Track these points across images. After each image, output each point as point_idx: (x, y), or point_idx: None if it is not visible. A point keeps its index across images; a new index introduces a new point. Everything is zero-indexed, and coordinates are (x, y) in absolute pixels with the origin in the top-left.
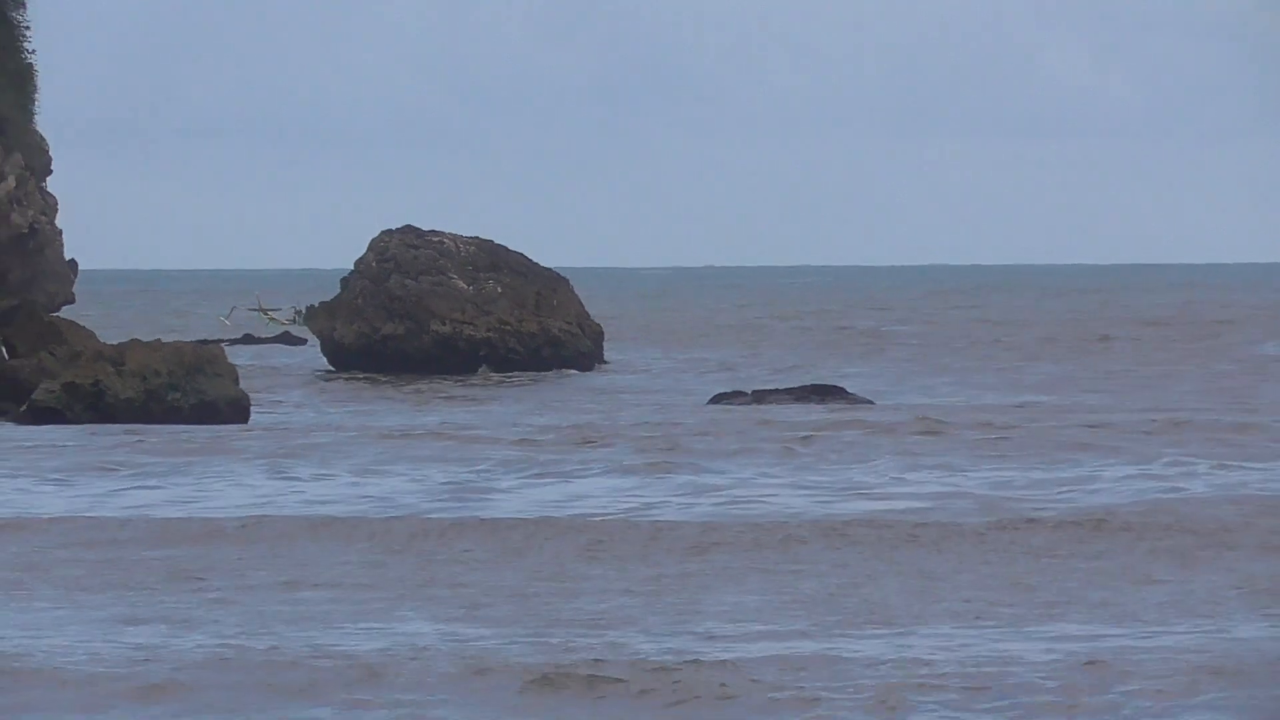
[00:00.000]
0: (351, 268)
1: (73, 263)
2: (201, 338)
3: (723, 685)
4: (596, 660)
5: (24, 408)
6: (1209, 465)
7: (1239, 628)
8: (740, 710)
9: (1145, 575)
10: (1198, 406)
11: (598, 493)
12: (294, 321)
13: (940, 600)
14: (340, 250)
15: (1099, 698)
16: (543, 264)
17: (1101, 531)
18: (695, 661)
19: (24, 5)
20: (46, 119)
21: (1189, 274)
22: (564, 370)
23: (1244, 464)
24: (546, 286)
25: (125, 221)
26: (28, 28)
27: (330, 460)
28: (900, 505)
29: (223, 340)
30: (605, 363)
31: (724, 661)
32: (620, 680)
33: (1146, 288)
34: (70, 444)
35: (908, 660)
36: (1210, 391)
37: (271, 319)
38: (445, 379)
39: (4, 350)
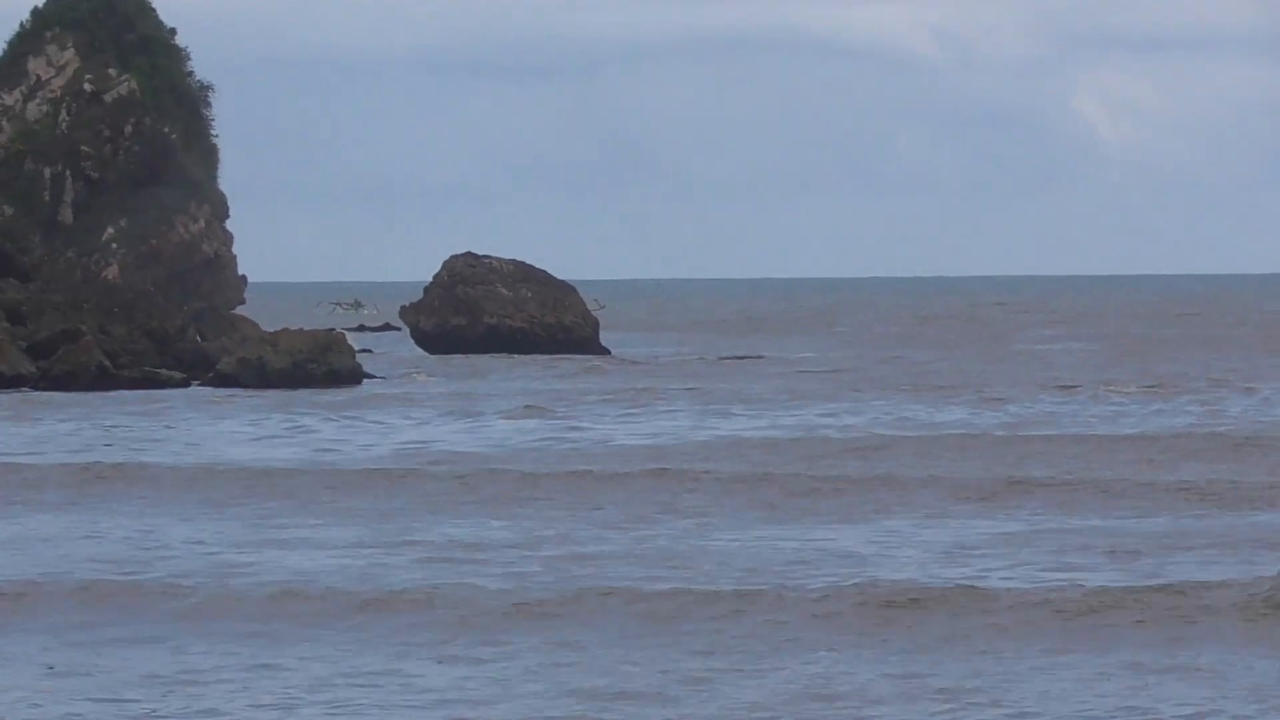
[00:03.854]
0: (430, 280)
1: (243, 277)
2: (329, 327)
3: None
4: None
5: (210, 374)
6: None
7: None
8: None
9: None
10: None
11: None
12: (357, 306)
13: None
14: (422, 267)
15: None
16: (558, 276)
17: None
18: None
19: (211, 104)
20: (226, 179)
21: (995, 283)
22: (572, 355)
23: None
24: (561, 292)
25: (278, 247)
26: (213, 119)
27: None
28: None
29: (344, 329)
30: (606, 351)
31: None
32: None
33: (960, 292)
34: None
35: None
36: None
37: (345, 307)
38: (500, 356)
39: (199, 337)
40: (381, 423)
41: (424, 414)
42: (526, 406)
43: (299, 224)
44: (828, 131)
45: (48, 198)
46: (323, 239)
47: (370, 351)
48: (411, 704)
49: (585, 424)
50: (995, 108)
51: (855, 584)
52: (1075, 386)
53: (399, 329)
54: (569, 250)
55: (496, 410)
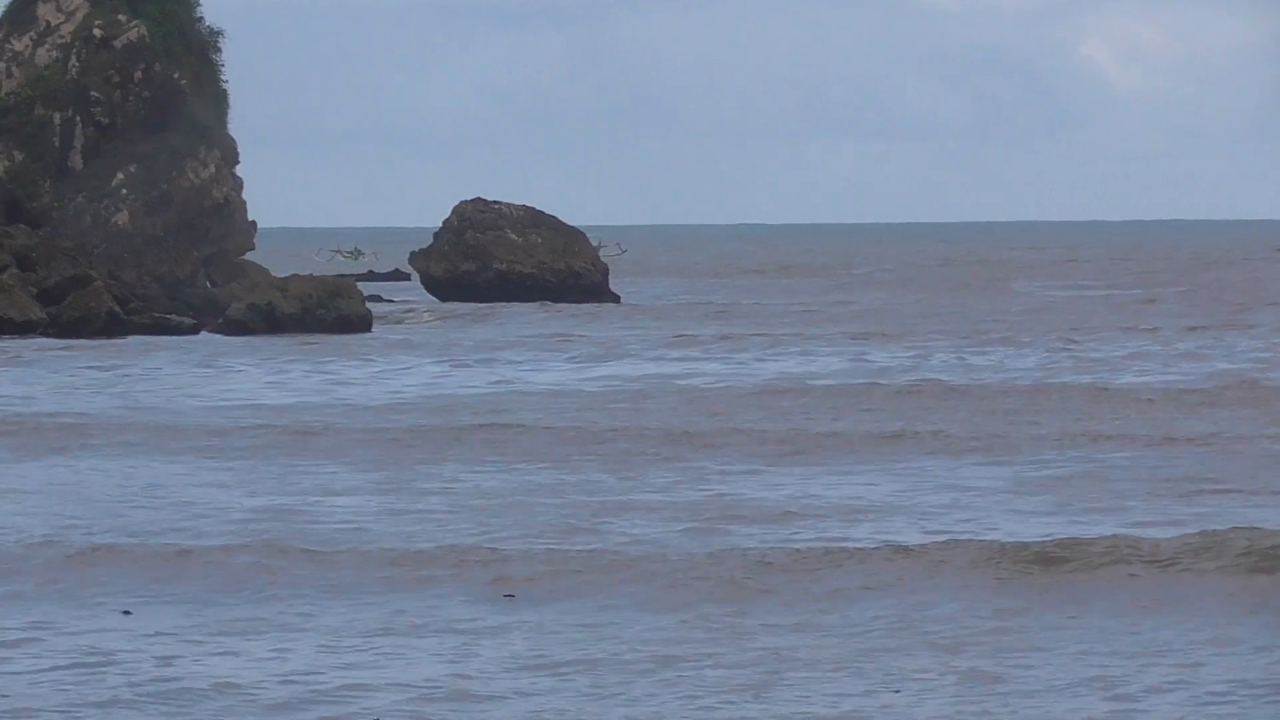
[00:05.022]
0: (440, 225)
1: (253, 223)
2: (339, 273)
3: None
4: None
5: (220, 320)
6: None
7: None
8: None
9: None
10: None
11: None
12: (354, 255)
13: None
14: (426, 214)
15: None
16: (569, 222)
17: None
18: None
19: (220, 50)
20: (236, 125)
21: (1005, 229)
22: (582, 302)
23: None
24: (571, 238)
25: (288, 193)
26: (223, 65)
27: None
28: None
29: (353, 275)
30: (616, 297)
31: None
32: None
33: (961, 239)
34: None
35: None
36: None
37: (345, 255)
38: (510, 305)
39: (208, 282)
40: (377, 368)
41: (424, 359)
42: (489, 358)
43: (302, 169)
44: (837, 77)
45: (57, 144)
46: (326, 184)
47: (380, 298)
48: None
49: (571, 367)
50: (1004, 54)
51: None
52: (1099, 330)
53: (408, 276)
54: (575, 196)
55: (492, 358)
